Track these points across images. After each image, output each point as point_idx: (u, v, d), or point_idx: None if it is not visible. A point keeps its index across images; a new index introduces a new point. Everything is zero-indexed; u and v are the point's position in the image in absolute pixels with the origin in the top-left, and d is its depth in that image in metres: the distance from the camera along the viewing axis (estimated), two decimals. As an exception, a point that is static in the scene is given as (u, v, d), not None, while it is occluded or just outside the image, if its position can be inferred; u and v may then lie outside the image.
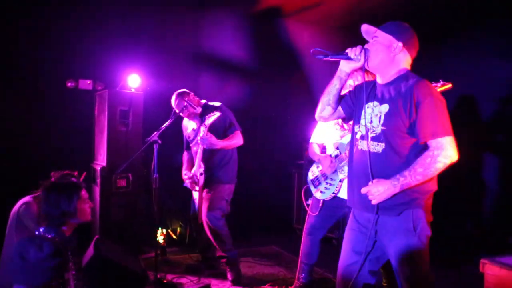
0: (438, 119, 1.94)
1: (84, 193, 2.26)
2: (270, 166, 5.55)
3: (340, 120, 2.98)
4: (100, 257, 2.66)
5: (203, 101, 3.65)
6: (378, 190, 1.99)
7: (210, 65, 5.12)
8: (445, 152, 1.92)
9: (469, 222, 4.78)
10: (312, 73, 5.45)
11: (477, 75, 4.67)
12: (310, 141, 3.18)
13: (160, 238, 4.22)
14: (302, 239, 3.18)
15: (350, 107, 2.27)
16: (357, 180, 2.15)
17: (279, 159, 5.59)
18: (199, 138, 3.33)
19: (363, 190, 2.04)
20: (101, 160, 4.18)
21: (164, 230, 4.35)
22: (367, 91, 2.17)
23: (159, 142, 3.14)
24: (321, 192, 3.02)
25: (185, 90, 3.62)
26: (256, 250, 4.51)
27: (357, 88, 2.28)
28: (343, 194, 2.92)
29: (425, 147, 1.98)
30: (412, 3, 4.46)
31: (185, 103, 3.45)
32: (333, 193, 2.94)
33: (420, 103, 1.95)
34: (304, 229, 3.17)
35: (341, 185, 2.92)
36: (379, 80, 2.15)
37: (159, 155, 3.17)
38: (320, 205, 3.04)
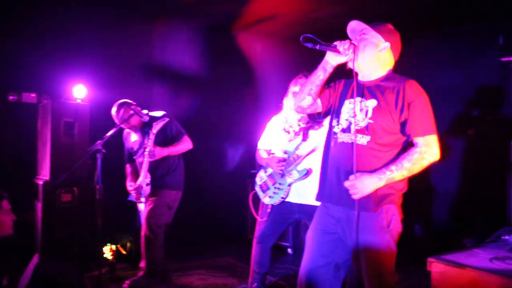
0: (427, 118, 2.03)
1: (5, 204, 2.11)
2: (224, 175, 5.51)
3: (287, 125, 3.01)
4: (38, 277, 2.53)
5: (145, 111, 3.55)
6: (363, 184, 1.97)
7: (162, 76, 5.06)
8: (431, 150, 2.01)
9: (420, 225, 4.95)
10: (266, 84, 5.51)
11: (428, 82, 4.89)
12: (258, 147, 3.17)
13: (109, 254, 4.04)
14: (253, 247, 3.14)
15: (329, 103, 2.26)
16: (334, 174, 2.12)
17: (233, 169, 5.56)
18: (146, 152, 3.27)
19: (347, 184, 2.00)
20: (44, 174, 3.98)
21: (114, 246, 4.17)
22: (348, 87, 2.21)
23: (103, 151, 3.03)
24: (270, 197, 3.01)
25: (127, 100, 3.53)
26: (209, 262, 4.42)
27: (337, 84, 2.30)
28: (292, 198, 2.93)
29: (410, 144, 2.05)
30: (364, 14, 4.60)
31: (132, 112, 3.37)
32: (282, 197, 2.93)
33: (412, 102, 2.01)
34: (255, 237, 3.13)
35: (289, 190, 2.92)
36: (362, 79, 2.16)
37: (108, 166, 3.07)
38: (269, 210, 3.02)
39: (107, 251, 4.02)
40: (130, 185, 3.53)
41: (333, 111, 2.24)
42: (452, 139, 4.85)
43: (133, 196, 3.49)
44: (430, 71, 4.95)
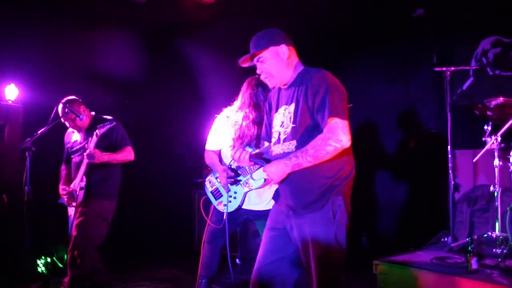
0: (331, 103, 1.95)
1: None
2: (169, 185, 5.33)
3: (237, 126, 2.95)
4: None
5: (93, 113, 3.41)
6: (271, 170, 2.03)
7: (102, 81, 4.86)
8: (336, 136, 1.92)
9: (367, 235, 5.07)
10: (208, 90, 5.45)
11: (369, 97, 5.10)
12: (206, 148, 3.06)
13: (43, 268, 3.73)
14: (202, 249, 3.03)
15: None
16: (281, 185, 2.16)
17: (178, 179, 5.41)
18: (85, 153, 3.08)
19: (264, 169, 2.08)
20: (-31, 181, 3.62)
21: (49, 258, 3.86)
22: (274, 101, 2.25)
23: (33, 149, 2.80)
24: (224, 205, 2.90)
25: (74, 98, 3.35)
26: (154, 274, 4.24)
27: (268, 104, 2.34)
28: (249, 205, 2.87)
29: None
30: (306, 28, 4.75)
31: (66, 109, 3.19)
32: (239, 205, 2.85)
33: (317, 91, 1.99)
34: (204, 238, 3.03)
35: (245, 197, 2.85)
36: (283, 86, 2.18)
37: (42, 168, 2.85)
38: (225, 218, 2.92)
39: (41, 264, 3.71)
40: (63, 188, 3.30)
41: (270, 129, 2.28)
42: (395, 152, 5.06)
43: (64, 199, 3.26)
44: (373, 87, 5.16)
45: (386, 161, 5.07)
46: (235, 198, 2.85)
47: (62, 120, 3.25)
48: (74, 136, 3.46)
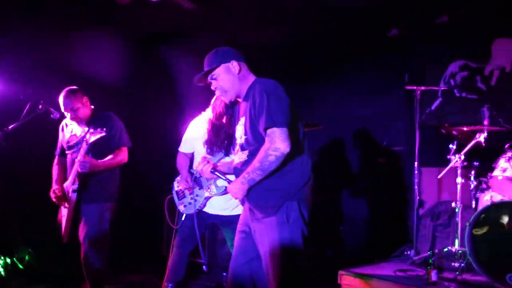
0: (268, 112, 2.00)
1: None
2: (139, 190, 5.28)
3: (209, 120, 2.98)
4: None
5: (92, 106, 3.26)
6: (233, 190, 2.14)
7: (81, 82, 4.79)
8: (273, 145, 1.98)
9: (333, 248, 5.15)
10: (188, 97, 5.46)
11: (342, 113, 5.23)
12: (179, 150, 3.08)
13: (1, 269, 3.62)
14: (170, 253, 3.02)
15: None
16: None
17: (149, 183, 5.36)
18: (77, 160, 2.91)
19: (228, 189, 2.21)
20: None
21: (8, 259, 3.75)
22: (237, 113, 2.34)
23: (2, 144, 2.72)
24: (184, 206, 2.95)
25: (77, 88, 3.20)
26: (121, 279, 4.15)
27: (234, 114, 2.44)
28: (210, 209, 2.90)
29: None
30: (287, 41, 4.84)
31: (69, 99, 3.04)
32: (197, 209, 2.88)
33: (256, 101, 2.07)
34: (173, 242, 3.03)
35: (205, 203, 2.88)
36: (240, 99, 2.29)
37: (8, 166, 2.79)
38: (183, 219, 2.96)
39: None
40: (55, 189, 3.14)
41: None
42: (365, 166, 5.18)
43: (55, 200, 3.13)
44: (347, 101, 5.29)
45: (356, 175, 5.18)
46: (195, 200, 2.89)
47: (63, 109, 3.09)
48: (71, 129, 3.27)
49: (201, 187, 2.88)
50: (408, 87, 3.86)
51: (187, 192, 2.97)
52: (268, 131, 2.00)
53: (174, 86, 5.42)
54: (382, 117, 5.02)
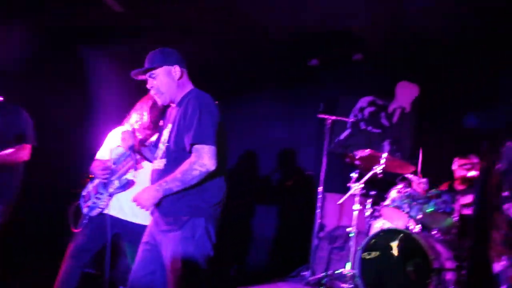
0: (199, 128, 2.01)
1: None
2: (44, 194, 4.94)
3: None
4: None
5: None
6: (144, 197, 2.05)
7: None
8: (201, 160, 1.98)
9: (234, 264, 5.20)
10: (103, 100, 5.27)
11: (257, 134, 5.37)
12: (96, 157, 2.99)
13: None
14: (63, 263, 2.85)
15: None
16: None
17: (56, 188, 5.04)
18: None
19: (132, 199, 2.08)
20: None
21: None
22: (167, 118, 2.32)
23: None
24: (88, 207, 2.83)
25: None
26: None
27: (165, 116, 2.40)
28: (114, 211, 2.80)
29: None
30: (203, 62, 4.88)
31: None
32: (100, 208, 2.77)
33: (187, 113, 2.06)
34: (67, 251, 2.86)
35: (109, 200, 2.79)
36: (172, 105, 2.27)
37: None
38: (85, 221, 2.82)
39: None
40: None
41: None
42: (274, 188, 5.34)
43: None
44: (265, 124, 5.46)
45: (265, 196, 5.33)
46: (99, 199, 2.79)
47: None
48: None
49: (105, 185, 2.80)
50: (320, 116, 4.11)
51: (92, 193, 2.86)
52: (196, 146, 2.00)
53: (88, 86, 5.19)
54: (295, 142, 5.26)
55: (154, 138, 2.87)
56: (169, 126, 2.22)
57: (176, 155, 2.10)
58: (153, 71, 2.19)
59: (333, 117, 4.09)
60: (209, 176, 2.03)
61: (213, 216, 2.12)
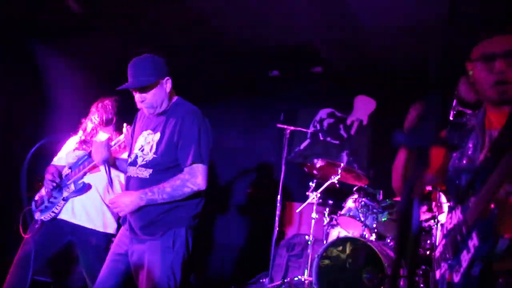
0: (198, 147, 2.04)
1: None
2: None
3: (80, 138, 2.86)
4: None
5: None
6: (124, 201, 2.03)
7: None
8: (195, 179, 2.02)
9: (196, 273, 5.15)
10: (58, 101, 5.10)
11: (219, 144, 5.36)
12: (52, 163, 2.90)
13: None
14: (10, 271, 2.71)
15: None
16: None
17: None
18: None
19: (109, 201, 2.06)
20: None
21: None
22: (140, 121, 2.28)
23: None
24: (41, 211, 2.73)
25: None
26: None
27: (136, 119, 2.36)
28: (67, 215, 2.71)
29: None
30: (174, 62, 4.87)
31: None
32: (53, 212, 2.67)
33: (185, 130, 2.06)
34: (16, 258, 2.72)
35: (63, 205, 2.70)
36: (155, 112, 2.19)
37: None
38: (37, 226, 2.71)
39: None
40: None
41: (130, 145, 2.31)
42: (235, 196, 5.36)
43: None
44: (229, 132, 5.48)
45: (225, 205, 5.34)
46: (52, 203, 2.70)
47: None
48: None
49: (60, 189, 2.71)
50: (280, 126, 4.18)
51: (45, 198, 2.76)
52: (194, 165, 2.02)
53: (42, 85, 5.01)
54: (255, 151, 5.32)
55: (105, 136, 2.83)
56: (155, 135, 2.15)
57: (165, 167, 2.09)
58: (148, 84, 2.10)
59: (292, 128, 4.17)
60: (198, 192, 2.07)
61: (193, 226, 2.15)
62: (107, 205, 2.73)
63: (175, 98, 2.25)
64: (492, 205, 1.27)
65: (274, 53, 4.68)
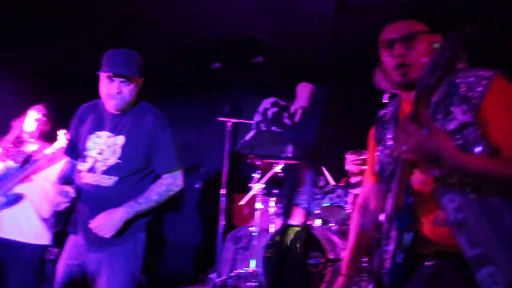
0: (172, 152, 2.10)
1: None
2: None
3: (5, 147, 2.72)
4: None
5: None
6: (111, 222, 1.94)
7: None
8: (176, 181, 2.10)
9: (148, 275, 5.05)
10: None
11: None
12: None
13: None
14: None
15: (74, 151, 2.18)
16: (86, 213, 2.01)
17: None
18: None
19: (92, 225, 1.94)
20: None
21: None
22: (92, 119, 2.11)
23: None
24: None
25: None
26: None
27: (79, 118, 2.17)
28: (3, 232, 2.57)
29: (157, 176, 2.09)
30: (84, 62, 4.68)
31: None
32: None
33: (157, 136, 2.05)
34: None
35: None
36: (110, 109, 2.07)
37: None
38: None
39: None
40: None
41: (76, 147, 2.15)
42: (184, 191, 5.26)
43: None
44: (172, 126, 5.37)
45: (171, 201, 5.24)
46: None
47: None
48: None
49: None
50: (220, 119, 4.13)
51: None
52: (175, 172, 2.09)
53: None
54: (201, 144, 5.25)
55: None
56: (109, 136, 2.03)
57: (130, 172, 2.02)
58: (127, 79, 2.02)
59: (233, 120, 4.13)
60: None
61: (148, 230, 2.14)
62: (41, 215, 2.62)
63: (138, 99, 2.18)
64: (406, 196, 1.31)
65: (215, 45, 4.61)
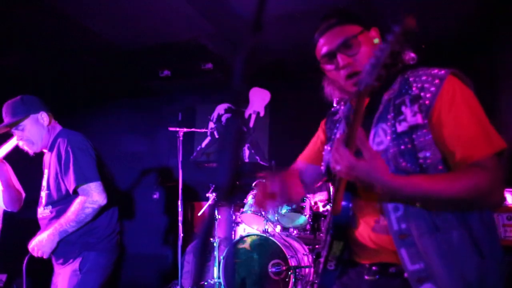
0: (78, 169, 2.06)
1: None
2: None
3: None
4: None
5: None
6: (41, 244, 2.05)
7: None
8: (91, 198, 2.04)
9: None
10: None
11: (117, 148, 5.10)
12: None
13: None
14: None
15: None
16: None
17: None
18: None
19: (30, 247, 2.08)
20: None
21: None
22: (44, 163, 2.31)
23: None
24: None
25: None
26: None
27: (43, 163, 2.36)
28: None
29: None
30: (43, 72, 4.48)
31: None
32: None
33: (61, 157, 2.09)
34: None
35: None
36: (45, 150, 2.26)
37: None
38: None
39: None
40: None
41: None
42: (142, 202, 5.14)
43: None
44: (123, 137, 5.22)
45: (131, 212, 5.11)
46: None
47: None
48: None
49: None
50: (171, 129, 4.05)
51: None
52: (82, 186, 2.04)
53: None
54: (156, 154, 5.15)
55: None
56: (46, 172, 2.20)
57: (58, 199, 2.11)
58: (20, 123, 2.14)
59: (184, 129, 4.06)
60: (98, 211, 2.09)
61: (107, 248, 2.17)
62: None
63: (58, 129, 2.25)
64: (346, 201, 1.25)
65: (163, 52, 4.50)
